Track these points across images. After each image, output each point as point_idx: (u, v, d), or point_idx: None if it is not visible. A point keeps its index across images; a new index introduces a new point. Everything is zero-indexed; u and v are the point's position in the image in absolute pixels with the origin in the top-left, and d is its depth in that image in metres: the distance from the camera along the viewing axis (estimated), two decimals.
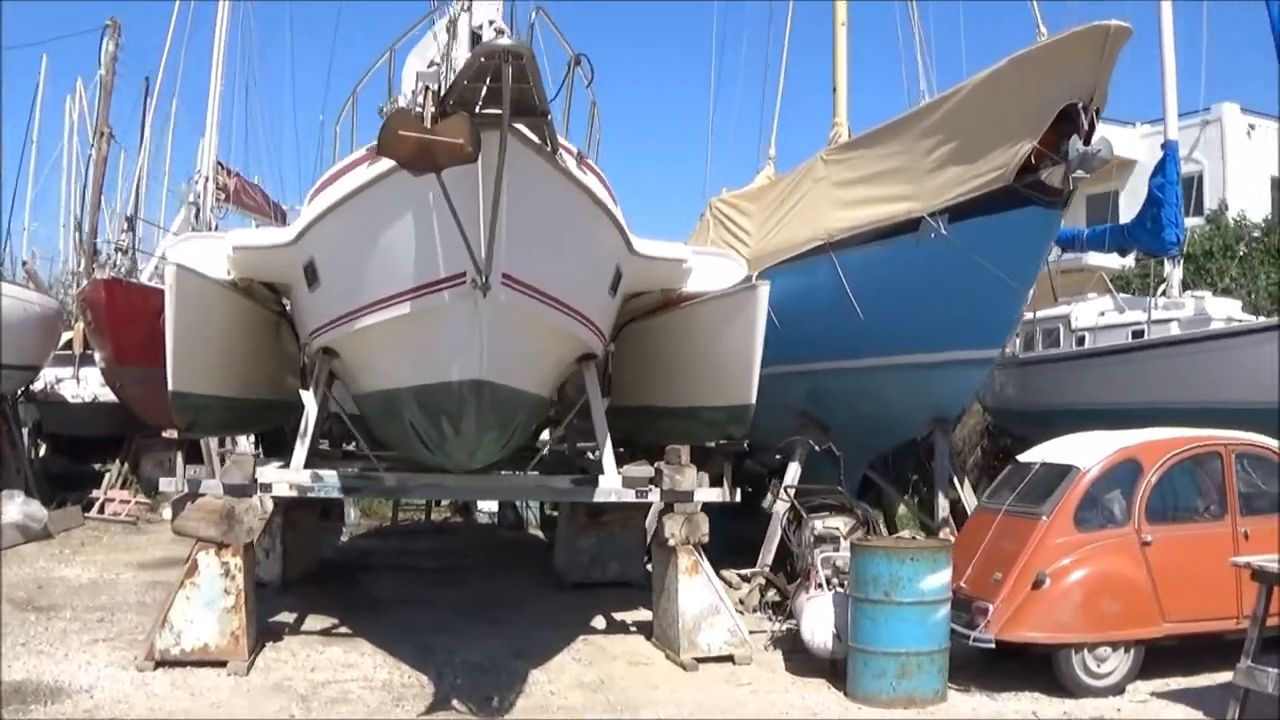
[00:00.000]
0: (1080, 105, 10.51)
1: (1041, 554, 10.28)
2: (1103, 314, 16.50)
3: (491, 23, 8.17)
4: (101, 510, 20.75)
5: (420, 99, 7.07)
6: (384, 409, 10.60)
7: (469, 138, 6.86)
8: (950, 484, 13.96)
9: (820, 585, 11.32)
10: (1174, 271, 15.84)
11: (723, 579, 14.81)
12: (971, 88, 11.59)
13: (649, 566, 15.68)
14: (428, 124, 6.82)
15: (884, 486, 15.93)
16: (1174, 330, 14.77)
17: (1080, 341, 16.45)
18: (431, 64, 13.41)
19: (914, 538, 10.76)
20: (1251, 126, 31.93)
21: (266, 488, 10.99)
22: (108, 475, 22.17)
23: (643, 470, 11.77)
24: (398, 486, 11.48)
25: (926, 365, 12.84)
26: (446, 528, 22.49)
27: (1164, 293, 15.82)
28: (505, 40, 6.78)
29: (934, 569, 10.00)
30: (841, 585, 11.24)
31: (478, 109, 6.93)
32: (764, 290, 10.83)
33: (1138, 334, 15.28)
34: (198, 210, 22.65)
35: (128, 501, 21.07)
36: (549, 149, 7.88)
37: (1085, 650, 10.19)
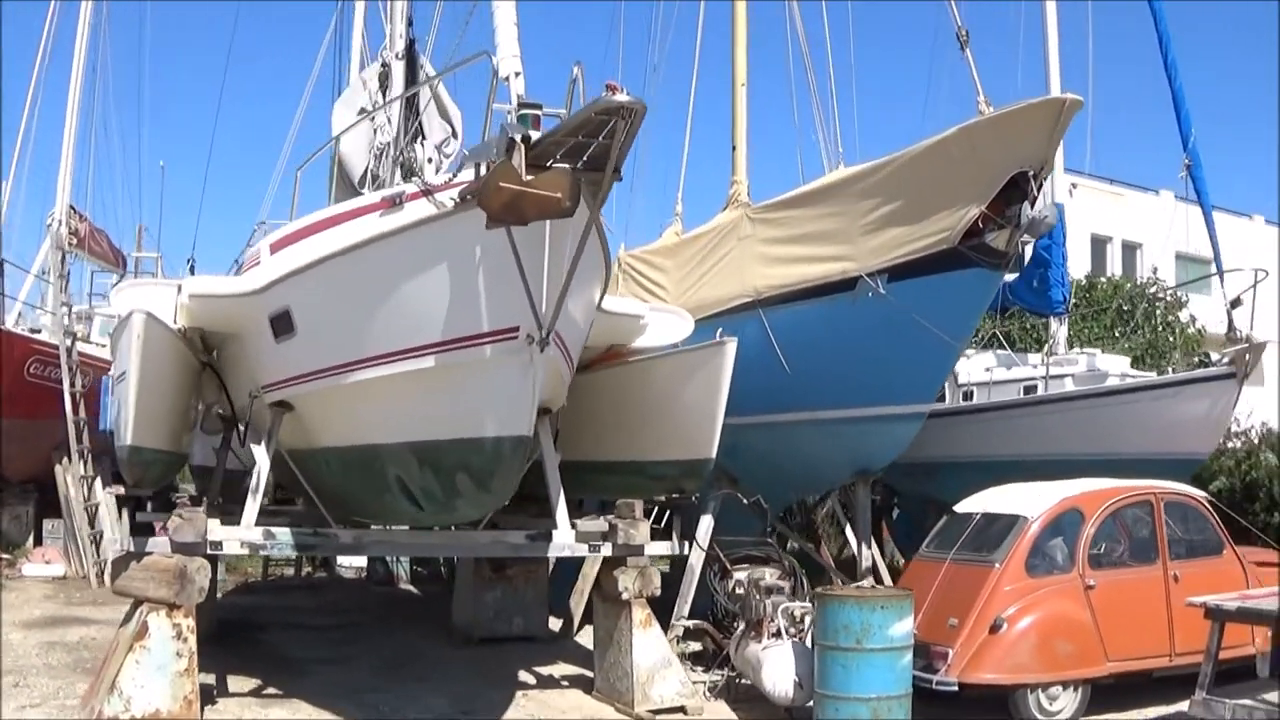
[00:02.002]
0: (1031, 173, 11.10)
1: (996, 599, 10.77)
2: (989, 369, 17.30)
3: (518, 74, 8.17)
4: None
5: (505, 150, 6.97)
6: (349, 464, 10.39)
7: (568, 192, 6.88)
8: (863, 535, 14.37)
9: (776, 634, 11.52)
10: (1060, 330, 16.79)
11: None
12: (916, 154, 12.08)
13: (550, 620, 15.78)
14: (523, 176, 6.78)
15: (790, 536, 16.29)
16: (1069, 385, 15.62)
17: (967, 396, 17.19)
18: (361, 110, 13.39)
19: (873, 586, 11.10)
20: (1074, 185, 33.76)
21: (217, 546, 10.63)
22: None
23: (596, 524, 11.82)
24: (353, 544, 11.23)
25: (854, 420, 13.23)
26: (315, 583, 21.92)
27: (1050, 350, 16.72)
28: (624, 96, 6.77)
29: (901, 616, 10.32)
30: (796, 634, 11.50)
31: (551, 163, 6.93)
32: (732, 346, 11.06)
33: (1029, 389, 16.10)
34: (63, 255, 21.71)
35: None
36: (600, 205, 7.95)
37: (1040, 690, 10.69)
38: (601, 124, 6.86)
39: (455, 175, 7.87)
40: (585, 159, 7.04)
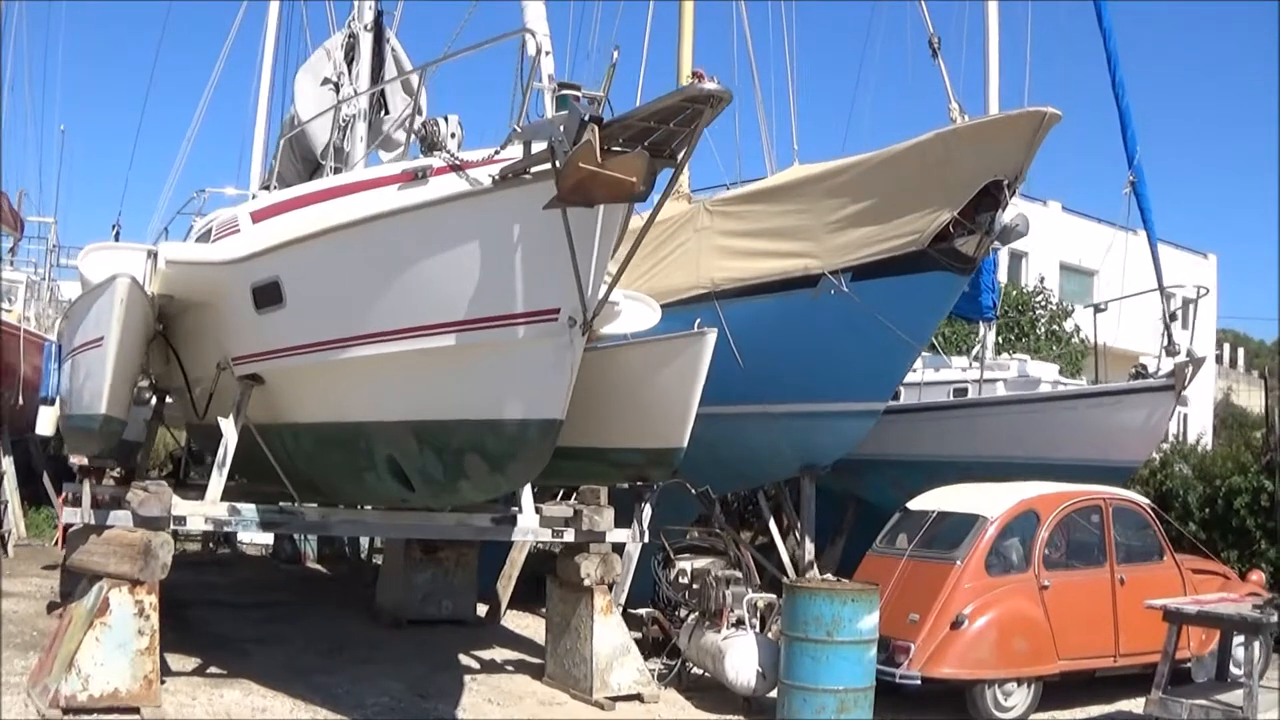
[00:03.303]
0: (1005, 182, 11.40)
1: (957, 596, 11.05)
2: (915, 371, 17.64)
3: (548, 53, 8.10)
4: None
5: (575, 130, 6.88)
6: (325, 441, 10.19)
7: (643, 176, 6.85)
8: (808, 529, 14.56)
9: (737, 625, 11.63)
10: (988, 334, 17.26)
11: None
12: (889, 156, 12.30)
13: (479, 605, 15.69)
14: (599, 158, 6.71)
15: (725, 527, 16.42)
16: (1000, 389, 16.08)
17: (895, 396, 17.51)
18: (325, 81, 13.12)
19: (839, 580, 11.26)
20: None
21: (181, 521, 10.35)
22: None
23: (560, 510, 11.80)
24: (319, 522, 11.00)
25: (806, 414, 13.44)
26: (221, 560, 21.42)
27: (976, 355, 17.15)
28: (713, 85, 6.74)
29: (869, 610, 10.52)
30: (758, 625, 11.66)
31: (612, 146, 6.85)
32: (711, 336, 11.12)
33: (960, 391, 16.50)
34: None
35: None
36: None
37: (997, 686, 11.01)
38: (679, 110, 6.85)
39: (499, 151, 7.77)
40: (647, 144, 7.02)
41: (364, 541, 21.22)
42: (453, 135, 8.17)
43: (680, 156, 7.22)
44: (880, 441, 15.82)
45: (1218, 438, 30.81)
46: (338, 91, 12.84)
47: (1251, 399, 45.54)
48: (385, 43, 13.15)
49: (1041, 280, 33.24)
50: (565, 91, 7.57)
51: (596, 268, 7.71)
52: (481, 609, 15.73)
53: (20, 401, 19.48)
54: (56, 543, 19.88)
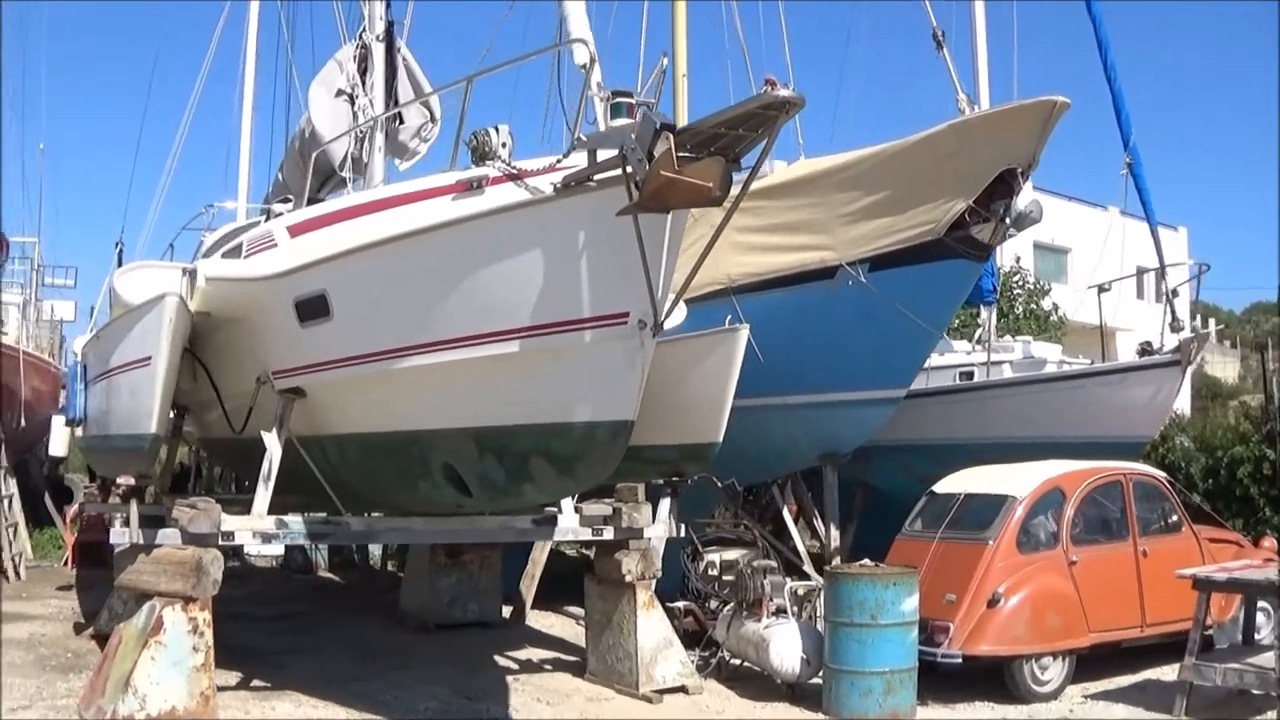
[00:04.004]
0: (1019, 170, 11.69)
1: (991, 575, 11.32)
2: None
3: (594, 61, 8.27)
4: None
5: (650, 138, 7.02)
6: (375, 450, 10.31)
7: (719, 182, 7.02)
8: (830, 517, 14.81)
9: (780, 613, 11.87)
10: (990, 317, 17.58)
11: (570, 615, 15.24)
12: (902, 148, 12.55)
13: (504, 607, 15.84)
14: (676, 164, 6.87)
15: (748, 520, 16.65)
16: (1006, 371, 16.39)
17: None
18: (340, 93, 13.24)
19: (878, 566, 11.50)
20: None
21: (229, 536, 10.44)
22: None
23: (599, 508, 11.98)
24: (366, 531, 11.14)
25: (826, 404, 13.67)
26: (233, 572, 21.35)
27: (979, 338, 17.45)
28: (786, 91, 6.89)
29: (910, 592, 10.80)
30: (800, 613, 11.92)
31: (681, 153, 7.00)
32: (744, 333, 11.36)
33: (967, 374, 16.80)
34: None
35: None
36: None
37: (1034, 660, 11.31)
38: (752, 116, 7.01)
39: (561, 160, 7.92)
40: (714, 148, 7.19)
41: (374, 549, 21.31)
42: (504, 145, 8.32)
43: (757, 160, 7.42)
44: (888, 427, 16.08)
45: (1195, 409, 31.36)
46: (353, 103, 12.96)
47: (1222, 370, 46.31)
48: (396, 52, 13.28)
49: (1018, 260, 33.66)
50: (619, 99, 7.75)
51: (666, 271, 7.90)
52: (505, 610, 15.91)
53: (23, 423, 19.46)
54: (66, 562, 19.93)
